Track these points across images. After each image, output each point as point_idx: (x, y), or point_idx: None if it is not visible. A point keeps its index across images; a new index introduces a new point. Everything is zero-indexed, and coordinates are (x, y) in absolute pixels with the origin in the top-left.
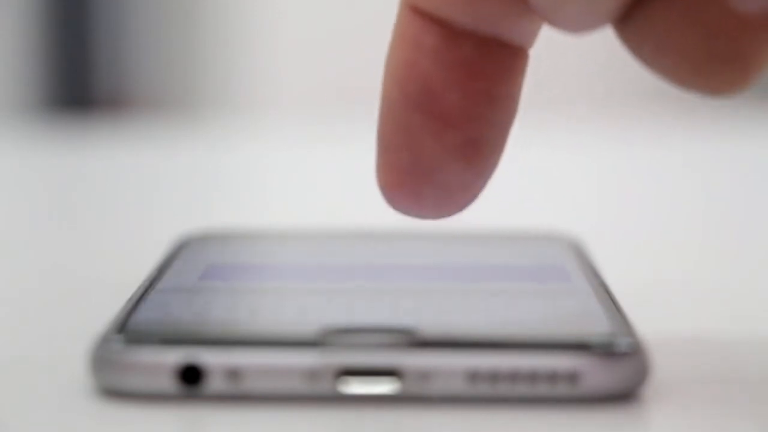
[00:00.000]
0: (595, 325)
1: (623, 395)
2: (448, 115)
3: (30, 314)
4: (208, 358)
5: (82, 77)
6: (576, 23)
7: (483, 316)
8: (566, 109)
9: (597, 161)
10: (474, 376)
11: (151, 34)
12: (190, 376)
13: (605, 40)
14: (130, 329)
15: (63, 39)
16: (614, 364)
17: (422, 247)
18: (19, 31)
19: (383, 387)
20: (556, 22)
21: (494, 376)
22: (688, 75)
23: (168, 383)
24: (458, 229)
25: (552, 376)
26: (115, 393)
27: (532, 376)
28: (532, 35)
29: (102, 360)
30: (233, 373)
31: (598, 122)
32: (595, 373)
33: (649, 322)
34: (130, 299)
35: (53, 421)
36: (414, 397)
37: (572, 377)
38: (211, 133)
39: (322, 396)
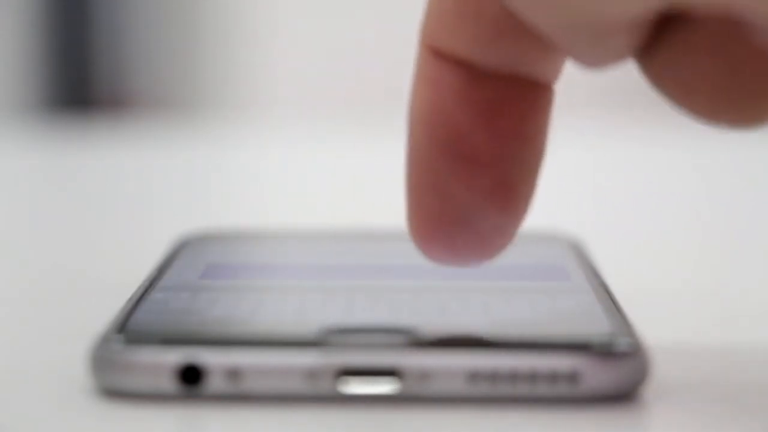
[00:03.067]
0: (595, 325)
1: (623, 395)
2: (476, 157)
3: (30, 314)
4: (208, 358)
5: (82, 77)
6: (594, 59)
7: (483, 315)
8: (566, 108)
9: (597, 161)
10: (474, 376)
11: (151, 34)
12: (190, 376)
13: None
14: (130, 329)
15: (63, 39)
16: (614, 364)
17: None
18: (19, 31)
19: (383, 387)
20: (576, 58)
21: (494, 376)
22: (713, 110)
23: (168, 383)
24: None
25: (552, 376)
26: (115, 393)
27: (532, 376)
28: (557, 71)
29: (102, 360)
30: (233, 373)
31: (599, 122)
32: (595, 373)
33: (649, 322)
34: (130, 299)
35: (53, 421)
36: (414, 397)
37: (572, 377)
38: (211, 133)
39: (322, 396)
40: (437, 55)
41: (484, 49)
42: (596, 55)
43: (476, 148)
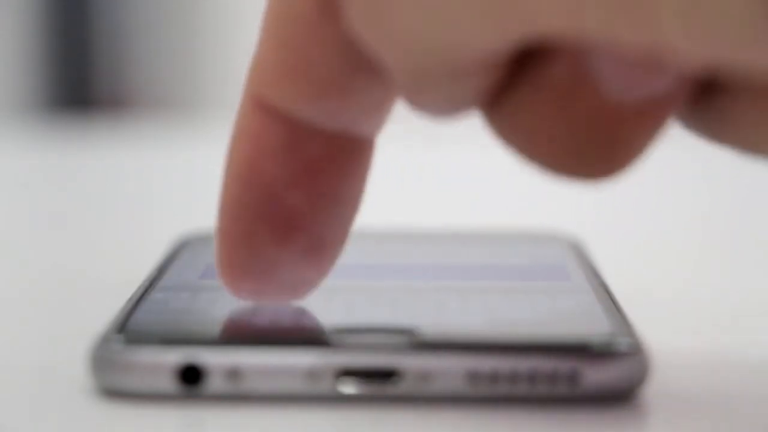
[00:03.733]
0: (595, 325)
1: (623, 395)
2: (290, 219)
3: (30, 314)
4: (208, 358)
5: (82, 77)
6: (439, 105)
7: (483, 316)
8: None
9: None
10: (474, 376)
11: (151, 34)
12: (190, 376)
13: None
14: (130, 329)
15: (63, 39)
16: (614, 364)
17: (422, 246)
18: (19, 31)
19: (383, 387)
20: (420, 105)
21: (494, 377)
22: (562, 164)
23: (168, 383)
24: (458, 229)
25: (552, 376)
26: (115, 393)
27: (532, 377)
28: (381, 125)
29: (102, 360)
30: (233, 373)
31: None
32: (595, 373)
33: (649, 322)
34: (130, 299)
35: (53, 421)
36: (414, 397)
37: (572, 377)
38: (211, 133)
39: (322, 396)
40: (261, 107)
41: (309, 104)
42: (443, 100)
43: (291, 210)
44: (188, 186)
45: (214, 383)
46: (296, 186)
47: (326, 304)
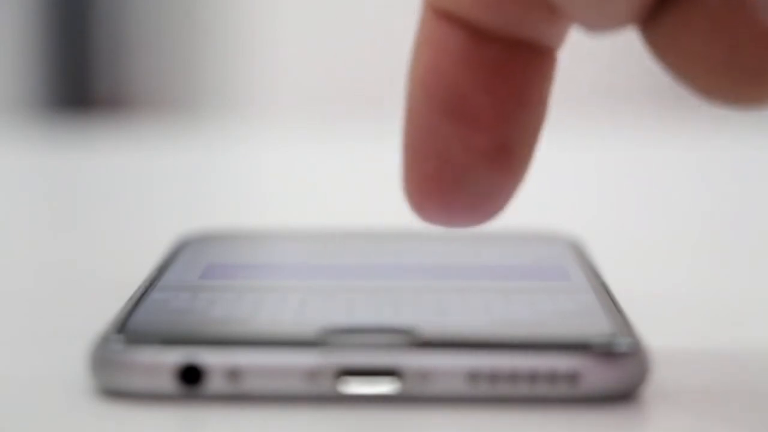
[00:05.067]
0: (595, 325)
1: (623, 395)
2: (476, 119)
3: (30, 314)
4: (208, 358)
5: (82, 77)
6: (595, 21)
7: (483, 316)
8: (567, 108)
9: (598, 161)
10: (474, 376)
11: (151, 34)
12: (190, 376)
13: (606, 40)
14: (130, 329)
15: (63, 39)
16: (614, 364)
17: (422, 246)
18: (19, 31)
19: (383, 387)
20: (576, 19)
21: (494, 376)
22: (712, 86)
23: (168, 383)
24: (458, 229)
25: (552, 376)
26: (115, 393)
27: (532, 376)
28: (560, 37)
29: (102, 360)
30: (233, 373)
31: (600, 122)
32: (595, 373)
33: (649, 322)
34: (130, 299)
35: (53, 421)
36: (414, 397)
37: (572, 377)
38: (210, 134)
39: (322, 396)
40: (440, 16)
41: (486, 9)
42: (597, 16)
43: (476, 110)
44: (188, 186)
45: (214, 383)
46: (479, 88)
47: (326, 304)
